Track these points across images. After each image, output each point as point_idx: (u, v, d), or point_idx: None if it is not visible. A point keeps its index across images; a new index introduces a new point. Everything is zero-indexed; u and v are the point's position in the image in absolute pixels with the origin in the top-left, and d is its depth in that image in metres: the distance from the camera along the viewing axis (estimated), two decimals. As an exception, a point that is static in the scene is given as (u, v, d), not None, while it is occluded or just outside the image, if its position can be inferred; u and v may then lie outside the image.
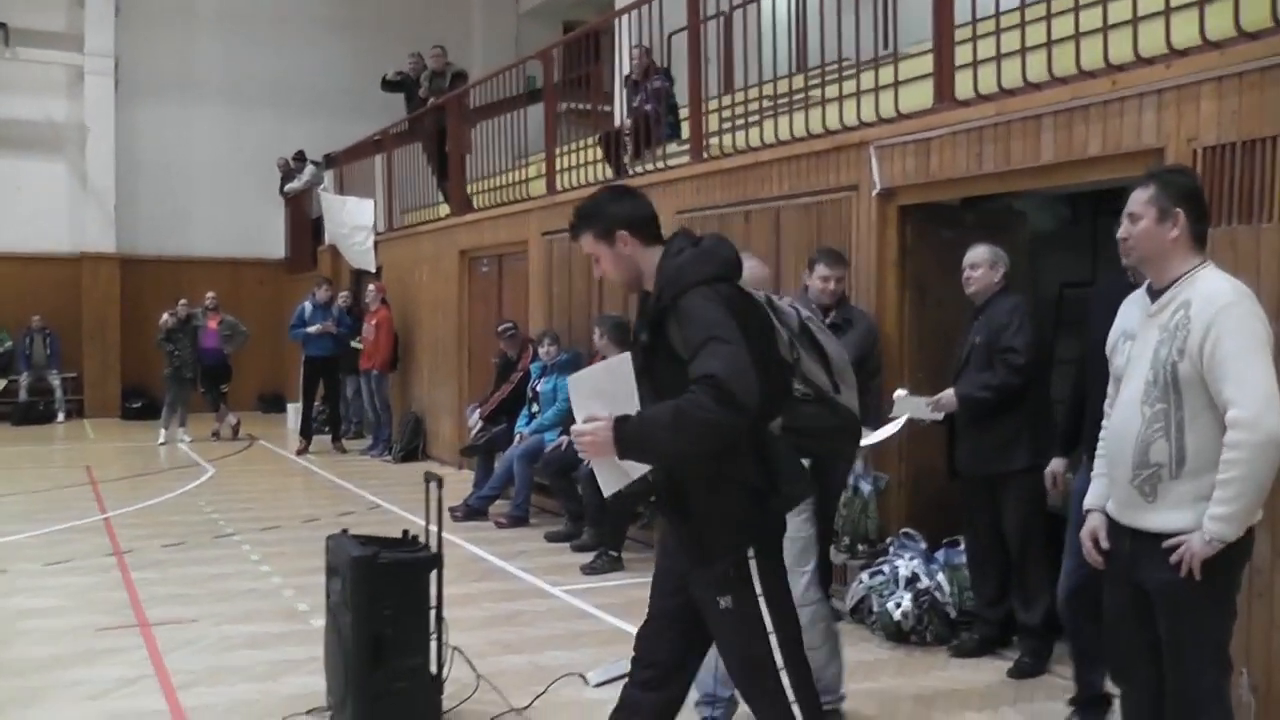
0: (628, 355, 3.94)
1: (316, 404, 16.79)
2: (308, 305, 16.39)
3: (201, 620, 7.51)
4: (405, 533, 5.89)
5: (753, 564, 3.82)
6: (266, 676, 6.40)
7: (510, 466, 11.03)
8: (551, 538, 10.16)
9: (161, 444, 17.33)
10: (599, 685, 6.16)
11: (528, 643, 7.04)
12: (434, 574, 5.56)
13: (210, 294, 18.39)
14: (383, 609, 5.38)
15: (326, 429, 16.81)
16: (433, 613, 5.53)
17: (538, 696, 6.00)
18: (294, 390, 19.89)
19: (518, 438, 11.14)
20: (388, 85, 17.66)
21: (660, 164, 10.86)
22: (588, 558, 9.29)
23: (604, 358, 9.58)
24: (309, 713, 5.75)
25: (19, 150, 21.70)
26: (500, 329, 12.20)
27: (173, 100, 22.55)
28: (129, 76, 22.16)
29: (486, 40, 22.80)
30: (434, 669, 5.56)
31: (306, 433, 16.47)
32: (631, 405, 3.78)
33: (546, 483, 10.61)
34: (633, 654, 4.13)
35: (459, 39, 22.95)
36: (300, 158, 21.60)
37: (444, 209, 15.85)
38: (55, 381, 21.29)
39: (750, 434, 3.75)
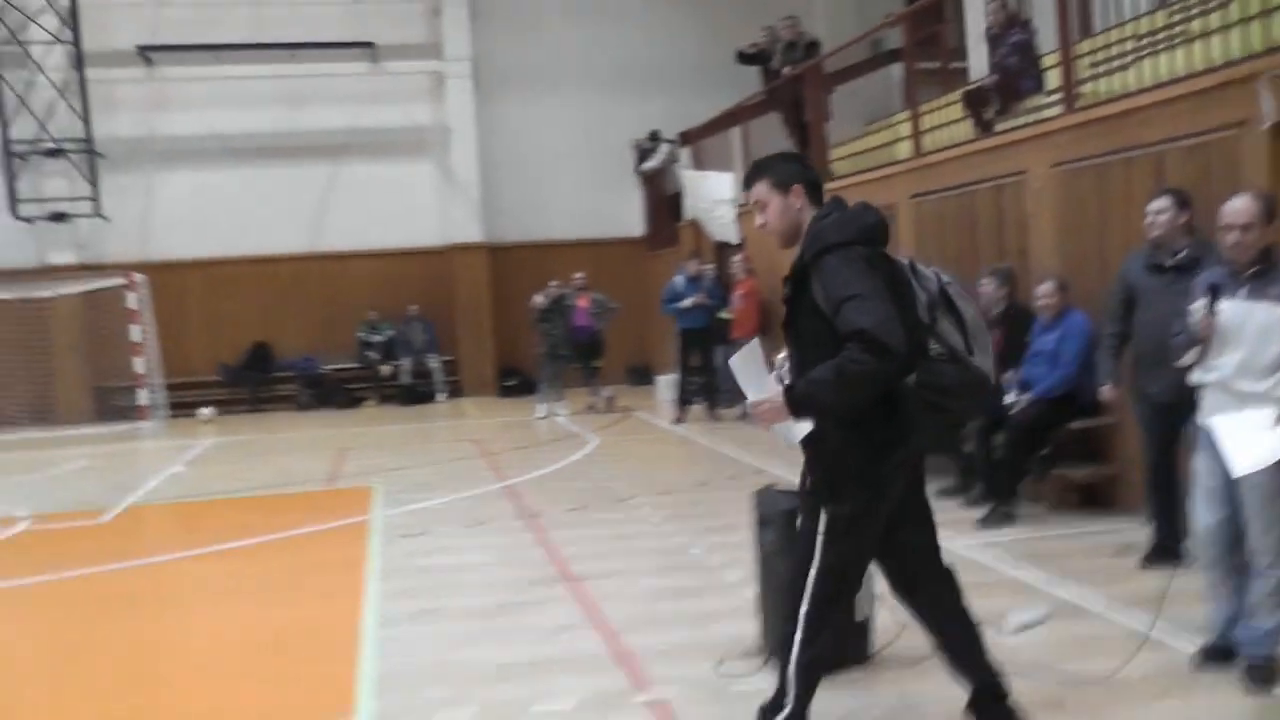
0: (755, 341, 4.51)
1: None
2: (680, 280, 16.95)
3: (622, 574, 8.01)
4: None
5: (848, 507, 4.34)
6: (696, 624, 6.79)
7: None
8: (942, 493, 10.21)
9: (540, 419, 18.22)
10: (1017, 632, 6.25)
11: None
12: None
13: (579, 274, 19.16)
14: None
15: (699, 399, 17.27)
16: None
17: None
18: (662, 363, 20.63)
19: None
20: (743, 59, 17.93)
21: (1029, 118, 10.76)
22: (980, 512, 9.32)
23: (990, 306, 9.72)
24: (743, 654, 6.08)
25: (390, 155, 23.19)
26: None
27: (528, 93, 23.57)
28: (486, 76, 23.30)
29: (828, 6, 22.79)
30: (859, 615, 5.78)
31: (682, 402, 17.01)
32: (768, 379, 4.35)
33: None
34: None
35: (802, 6, 23.08)
36: (655, 137, 22.19)
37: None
38: (434, 364, 22.62)
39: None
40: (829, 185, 14.80)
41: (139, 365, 19.78)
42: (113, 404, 20.70)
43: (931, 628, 4.79)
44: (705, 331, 16.76)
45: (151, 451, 17.65)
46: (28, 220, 21.59)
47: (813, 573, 4.42)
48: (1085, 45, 10.34)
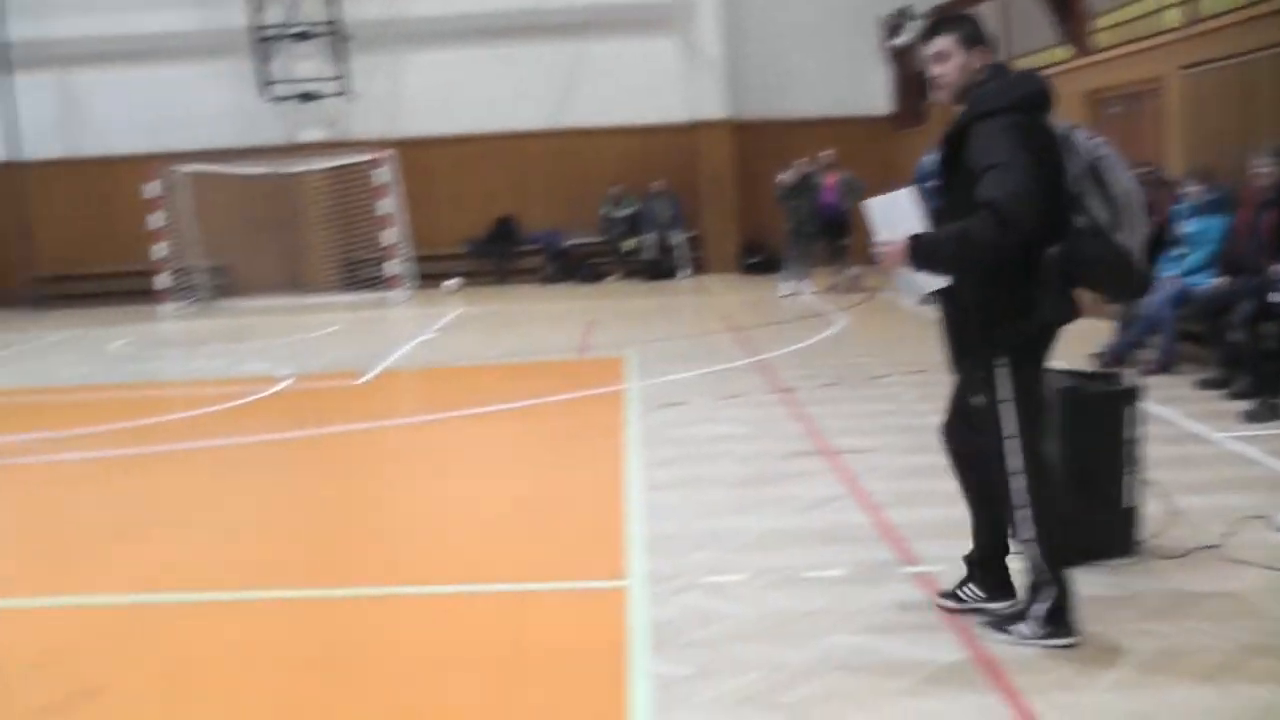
0: (911, 188, 4.47)
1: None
2: (929, 159, 16.56)
3: (880, 450, 7.96)
4: (1098, 370, 5.98)
5: (1001, 372, 4.44)
6: (955, 503, 6.73)
7: (1155, 311, 10.78)
8: (1204, 384, 9.86)
9: (785, 296, 18.17)
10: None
11: (1202, 485, 6.90)
12: (1130, 409, 5.63)
13: (827, 151, 18.94)
14: (1087, 439, 5.55)
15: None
16: (1127, 447, 5.62)
17: (1226, 535, 5.94)
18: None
19: (1162, 282, 10.86)
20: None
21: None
22: (1245, 405, 8.96)
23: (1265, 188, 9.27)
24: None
25: (635, 31, 23.22)
26: (1142, 172, 11.84)
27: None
28: (732, -54, 23.01)
29: None
30: (1127, 502, 5.65)
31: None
32: (913, 228, 4.33)
33: (1195, 329, 10.31)
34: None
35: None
36: (904, 12, 21.61)
37: (1059, 53, 15.52)
38: (678, 240, 22.74)
39: (1023, 255, 4.27)
40: (1090, 59, 14.35)
41: (388, 237, 20.36)
42: (360, 275, 21.46)
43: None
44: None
45: (401, 319, 18.29)
46: (278, 100, 22.33)
47: (1011, 443, 4.49)
48: None
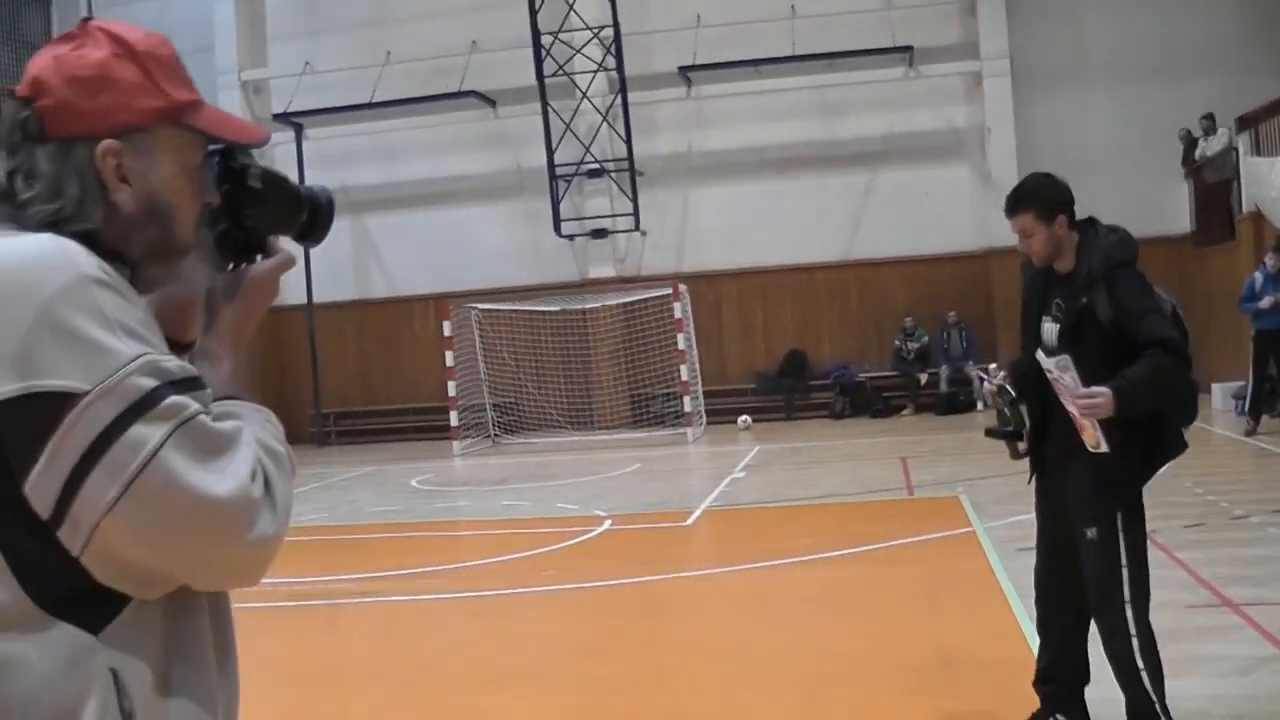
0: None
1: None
2: (1258, 276, 15.77)
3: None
4: None
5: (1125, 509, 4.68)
6: None
7: None
8: None
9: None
10: None
11: None
12: None
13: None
14: None
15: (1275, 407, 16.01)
16: None
17: None
18: (1218, 369, 19.38)
19: None
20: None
21: None
22: None
23: None
24: None
25: (925, 160, 22.94)
26: None
27: (1065, 87, 22.70)
28: (1022, 72, 22.57)
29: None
30: None
31: (1256, 411, 15.78)
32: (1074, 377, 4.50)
33: None
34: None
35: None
36: (1210, 119, 20.84)
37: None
38: (973, 373, 22.10)
39: None
40: None
41: (684, 373, 20.31)
42: (650, 410, 21.47)
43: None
44: (1286, 333, 15.52)
45: (700, 457, 18.18)
46: (569, 238, 22.75)
47: (1126, 571, 4.68)
48: None
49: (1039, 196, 4.75)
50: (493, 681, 6.81)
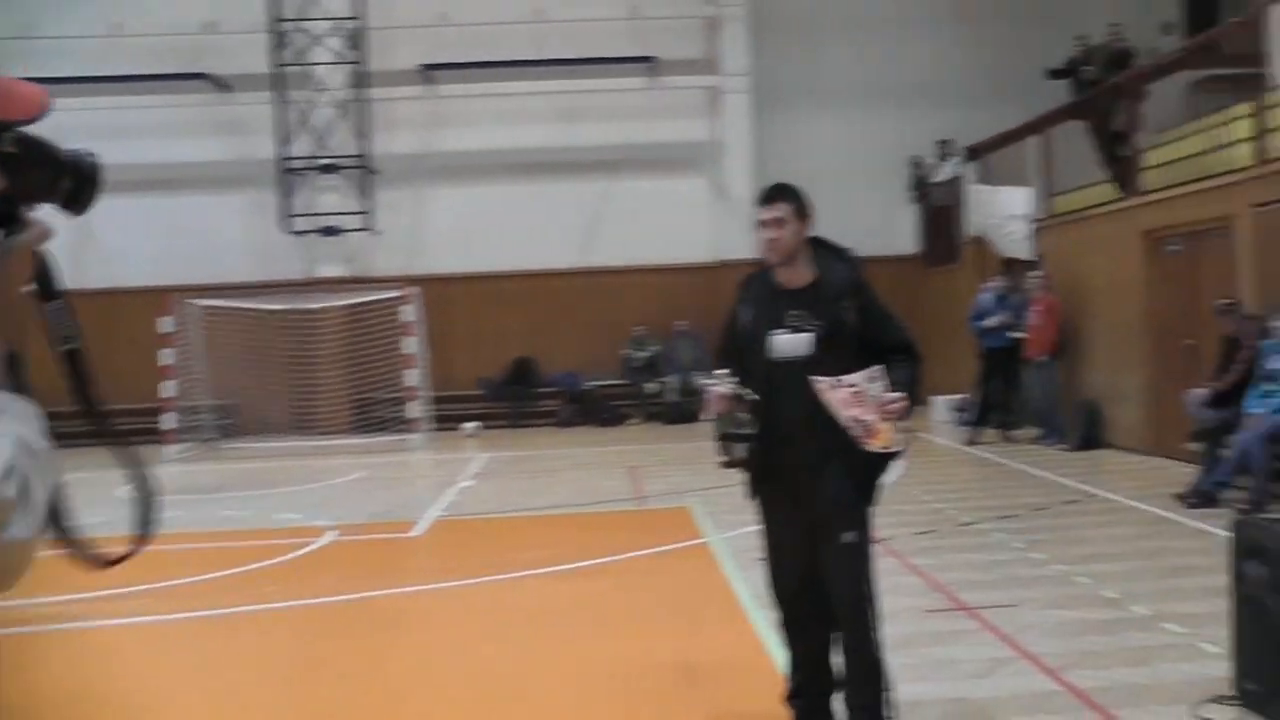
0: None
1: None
2: (987, 297, 16.43)
3: (1022, 605, 7.50)
4: None
5: (869, 510, 4.96)
6: (1138, 661, 6.28)
7: (1246, 450, 10.46)
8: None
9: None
10: None
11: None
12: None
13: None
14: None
15: (994, 420, 16.66)
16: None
17: None
18: (945, 382, 20.08)
19: (1250, 419, 10.57)
20: (1055, 74, 17.41)
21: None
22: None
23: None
24: (1214, 700, 5.55)
25: (663, 171, 23.12)
26: (1218, 306, 11.64)
27: (804, 108, 23.17)
28: (763, 90, 22.96)
29: (1102, 13, 21.93)
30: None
31: (980, 424, 16.43)
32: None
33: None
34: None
35: (1074, 15, 22.41)
36: (945, 144, 21.60)
37: (1109, 190, 15.41)
38: (700, 381, 22.27)
39: None
40: (1136, 200, 14.20)
41: (411, 378, 19.86)
42: (375, 415, 20.97)
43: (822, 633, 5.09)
44: (1009, 351, 16.17)
45: (426, 465, 17.78)
46: (299, 234, 22.06)
47: (872, 581, 4.93)
48: None
49: (799, 194, 4.97)
50: (207, 713, 6.39)
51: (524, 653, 7.17)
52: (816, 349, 4.78)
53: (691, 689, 6.29)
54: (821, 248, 5.00)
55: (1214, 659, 6.06)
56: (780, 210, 4.91)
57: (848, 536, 4.82)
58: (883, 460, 4.82)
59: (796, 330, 4.83)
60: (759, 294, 5.02)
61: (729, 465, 4.92)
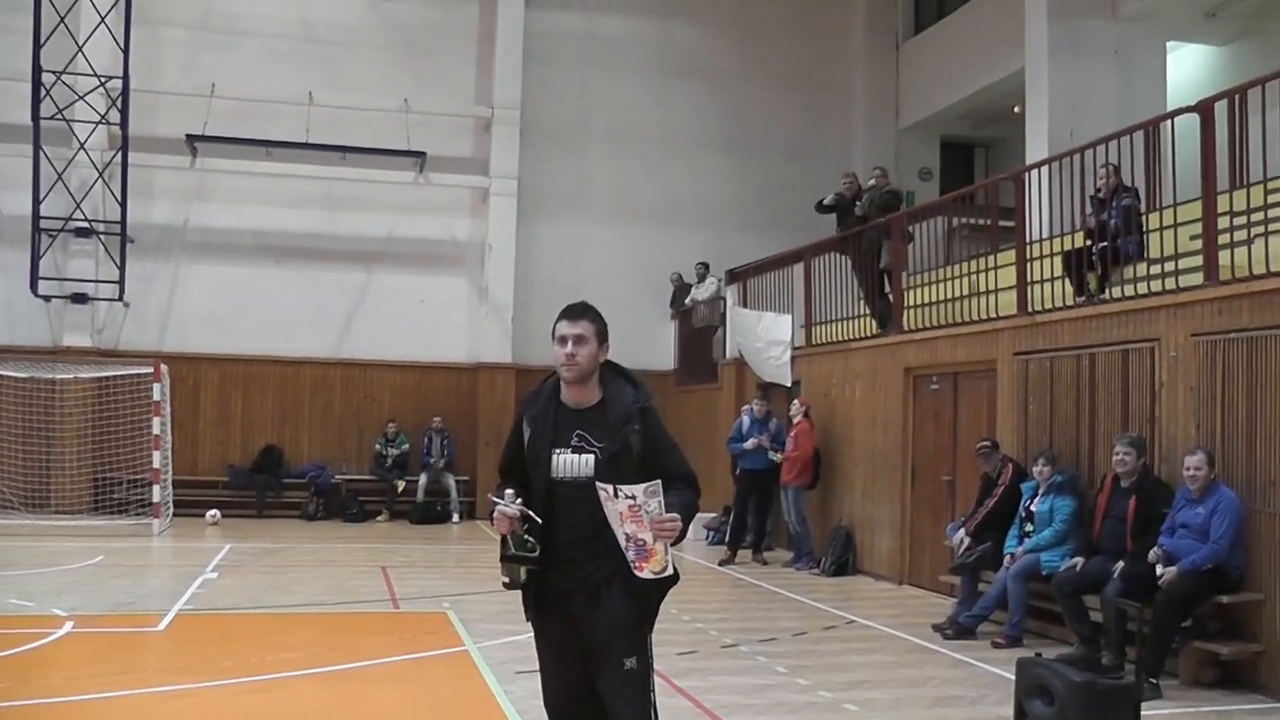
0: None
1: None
2: (745, 419, 16.68)
3: (792, 731, 7.54)
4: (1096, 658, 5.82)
5: (649, 636, 4.87)
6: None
7: (1004, 587, 10.86)
8: (1071, 663, 9.86)
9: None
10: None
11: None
12: (1136, 700, 5.47)
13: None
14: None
15: (748, 541, 16.85)
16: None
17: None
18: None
19: (1008, 558, 11.01)
20: (823, 208, 17.85)
21: (1138, 287, 10.66)
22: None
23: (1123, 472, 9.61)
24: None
25: (425, 267, 22.97)
26: (979, 446, 12.10)
27: (569, 217, 23.49)
28: (529, 196, 23.12)
29: (867, 155, 23.02)
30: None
31: (734, 544, 16.60)
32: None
33: (1055, 605, 10.36)
34: None
35: (838, 154, 23.57)
36: (705, 267, 22.03)
37: (871, 324, 15.92)
38: (450, 483, 22.06)
39: None
40: (902, 337, 14.71)
41: (156, 459, 19.01)
42: (114, 497, 20.06)
43: None
44: (765, 474, 16.43)
45: (168, 552, 17.01)
46: (46, 298, 20.96)
47: (654, 706, 4.86)
48: (1236, 202, 10.24)
49: (602, 320, 4.97)
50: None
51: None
52: (598, 471, 4.72)
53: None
54: (612, 371, 4.99)
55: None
56: (583, 328, 4.88)
57: (629, 662, 4.76)
58: (660, 585, 4.73)
59: (579, 451, 4.78)
60: (544, 411, 4.93)
61: (510, 587, 4.83)
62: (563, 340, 4.87)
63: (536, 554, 4.72)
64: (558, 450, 4.80)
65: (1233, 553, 9.11)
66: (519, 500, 4.71)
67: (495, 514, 4.71)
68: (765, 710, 8.18)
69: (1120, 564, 9.55)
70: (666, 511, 4.52)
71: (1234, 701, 8.74)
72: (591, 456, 4.76)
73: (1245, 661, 9.20)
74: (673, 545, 4.60)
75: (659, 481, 4.55)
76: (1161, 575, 9.13)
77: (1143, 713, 7.97)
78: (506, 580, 4.80)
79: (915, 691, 8.94)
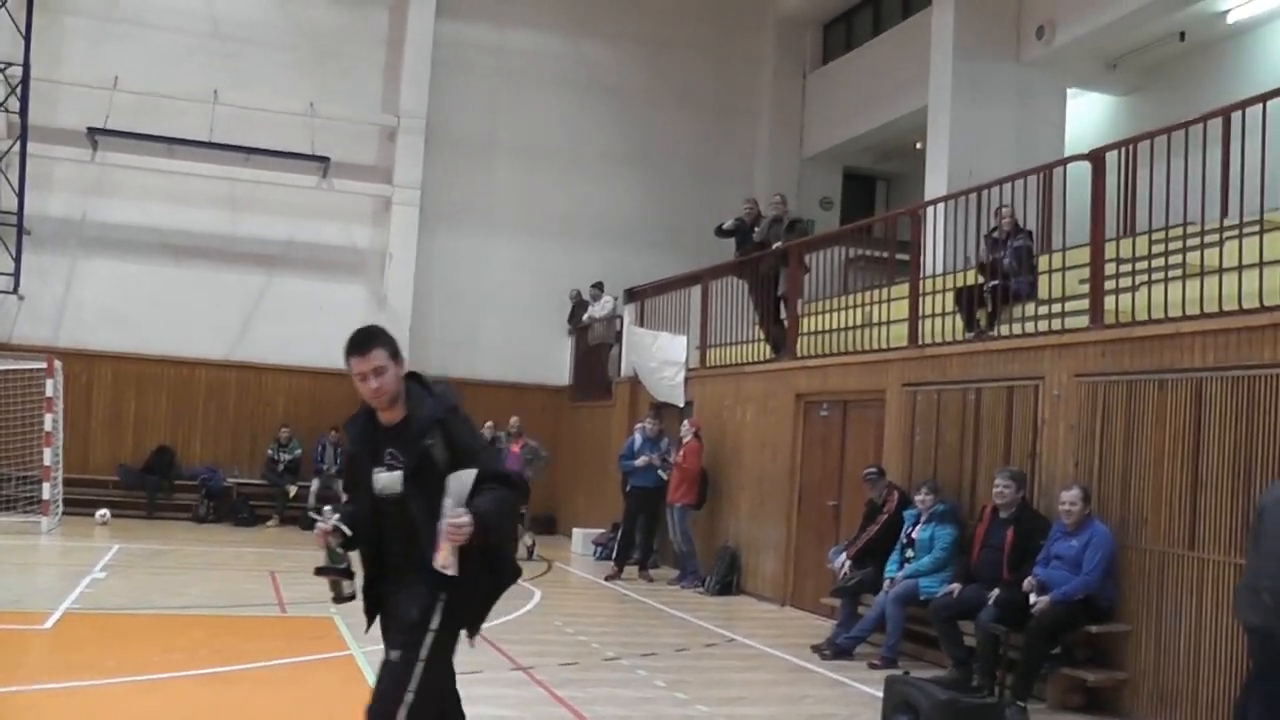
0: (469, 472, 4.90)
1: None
2: (638, 437, 16.86)
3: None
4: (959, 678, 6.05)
5: (432, 634, 4.91)
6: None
7: (883, 610, 11.14)
8: (942, 683, 10.15)
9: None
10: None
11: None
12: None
13: (515, 419, 18.90)
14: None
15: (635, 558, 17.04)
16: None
17: None
18: (570, 515, 20.62)
19: (888, 582, 11.29)
20: (723, 233, 18.02)
21: (1044, 325, 10.97)
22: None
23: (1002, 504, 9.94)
24: None
25: (325, 272, 22.94)
26: (865, 473, 12.38)
27: (470, 229, 23.53)
28: (431, 206, 23.16)
29: (770, 181, 23.33)
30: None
31: (621, 560, 16.78)
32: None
33: (932, 629, 10.64)
34: None
35: (742, 178, 23.93)
36: (599, 288, 22.23)
37: (765, 349, 16.18)
38: (340, 490, 21.95)
39: None
40: (794, 363, 14.99)
41: (47, 456, 18.73)
42: (1, 493, 19.75)
43: None
44: (655, 492, 16.62)
45: (54, 550, 16.80)
46: (-64, 289, 20.63)
47: (410, 698, 4.85)
48: (1123, 249, 10.60)
49: (390, 338, 5.09)
50: None
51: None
52: (406, 485, 4.95)
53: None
54: (415, 383, 5.15)
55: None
56: (377, 358, 5.00)
57: (393, 654, 4.93)
58: (471, 592, 4.95)
59: (391, 468, 5.00)
60: (362, 432, 5.18)
61: (336, 601, 5.17)
62: (362, 377, 5.01)
63: (344, 566, 5.04)
64: (376, 469, 5.05)
65: (1104, 584, 9.47)
66: (336, 516, 5.02)
67: (315, 530, 5.04)
68: (646, 723, 8.36)
69: (996, 591, 9.85)
70: (469, 512, 4.75)
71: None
72: (400, 472, 4.98)
73: (1111, 688, 9.55)
74: (488, 541, 4.86)
75: (463, 474, 4.85)
76: (1035, 604, 9.45)
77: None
78: (333, 595, 5.12)
79: (790, 709, 9.17)
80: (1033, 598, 9.49)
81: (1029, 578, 9.63)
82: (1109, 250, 10.55)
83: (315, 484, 21.65)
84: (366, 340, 5.00)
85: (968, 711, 5.64)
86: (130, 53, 21.82)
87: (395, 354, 5.03)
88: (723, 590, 15.59)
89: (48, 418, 18.78)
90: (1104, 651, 9.70)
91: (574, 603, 14.47)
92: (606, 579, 16.50)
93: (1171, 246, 10.08)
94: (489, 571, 5.02)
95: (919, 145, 20.69)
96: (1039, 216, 12.98)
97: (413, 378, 5.14)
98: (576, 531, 20.11)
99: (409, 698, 4.84)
